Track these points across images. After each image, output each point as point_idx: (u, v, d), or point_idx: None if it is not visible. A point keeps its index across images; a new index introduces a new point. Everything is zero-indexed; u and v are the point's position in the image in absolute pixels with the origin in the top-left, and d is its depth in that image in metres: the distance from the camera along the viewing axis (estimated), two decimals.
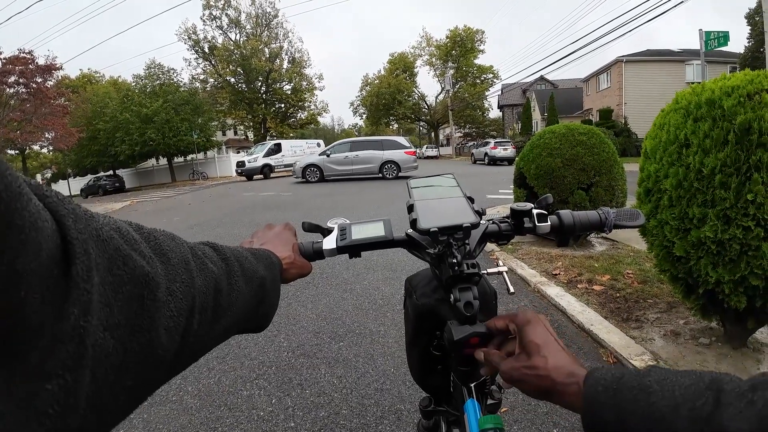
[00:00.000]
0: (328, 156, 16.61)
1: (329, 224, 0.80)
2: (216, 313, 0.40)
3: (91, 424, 0.25)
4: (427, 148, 46.28)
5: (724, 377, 0.38)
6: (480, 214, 0.72)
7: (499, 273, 0.81)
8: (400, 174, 16.12)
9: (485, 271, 0.76)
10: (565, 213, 0.76)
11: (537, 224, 0.75)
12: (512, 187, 5.25)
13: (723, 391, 0.36)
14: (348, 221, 0.80)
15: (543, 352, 0.52)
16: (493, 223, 0.78)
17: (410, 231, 0.76)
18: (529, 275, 3.76)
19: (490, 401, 0.75)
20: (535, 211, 0.76)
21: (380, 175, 16.15)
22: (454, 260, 0.65)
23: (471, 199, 0.76)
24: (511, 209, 0.77)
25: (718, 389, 0.37)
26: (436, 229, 0.66)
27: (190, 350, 0.36)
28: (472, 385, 0.71)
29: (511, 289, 0.79)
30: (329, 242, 0.76)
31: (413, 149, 16.87)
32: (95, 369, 0.24)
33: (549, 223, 0.76)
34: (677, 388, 0.39)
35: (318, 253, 0.75)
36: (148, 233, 0.35)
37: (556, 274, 3.73)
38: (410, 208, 0.74)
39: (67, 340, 0.22)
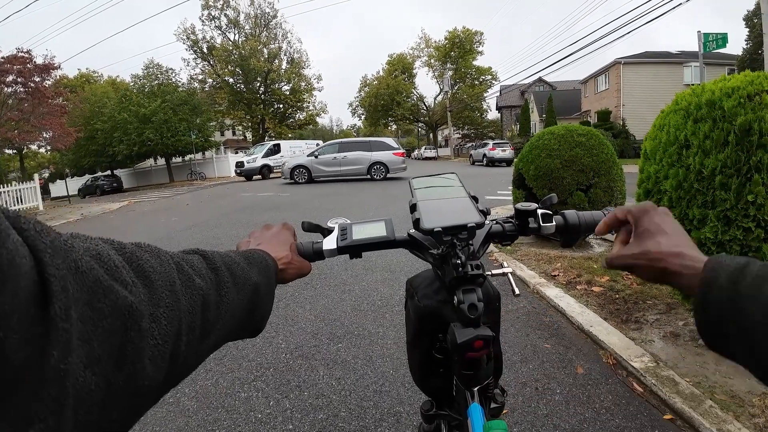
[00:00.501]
0: (316, 157, 16.52)
1: (329, 224, 0.79)
2: (204, 329, 0.39)
3: None
4: (425, 149, 46.32)
5: None
6: (485, 213, 0.70)
7: (504, 274, 0.80)
8: (389, 175, 16.11)
9: (490, 273, 0.75)
10: (571, 213, 0.75)
11: (542, 224, 0.74)
12: (511, 188, 5.24)
13: None
14: (348, 221, 0.79)
15: (657, 237, 0.51)
16: (497, 223, 0.77)
17: (413, 231, 0.74)
18: (528, 276, 3.75)
19: (493, 405, 0.74)
20: (540, 211, 0.74)
21: (368, 176, 16.11)
22: (458, 261, 0.64)
23: (475, 199, 0.75)
24: (516, 209, 0.76)
25: None
26: (440, 229, 0.65)
27: (178, 372, 0.35)
28: (476, 389, 0.69)
29: (516, 291, 0.78)
30: (329, 242, 0.75)
31: (401, 150, 16.82)
32: (78, 408, 0.24)
33: (554, 223, 0.74)
34: None
35: (318, 254, 0.74)
36: (130, 254, 0.34)
37: (555, 276, 3.72)
38: (413, 208, 0.73)
39: (49, 382, 0.22)
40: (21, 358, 0.21)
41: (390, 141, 17.13)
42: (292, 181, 16.58)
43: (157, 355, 0.31)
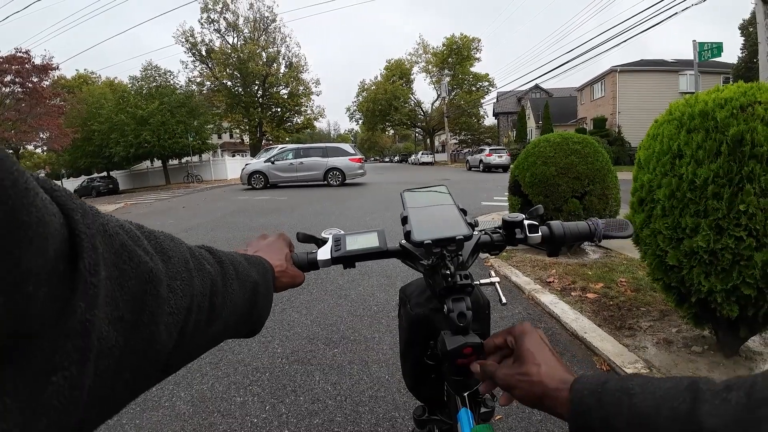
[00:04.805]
0: (272, 163, 16.48)
1: (324, 235, 0.80)
2: (211, 313, 0.41)
3: (90, 416, 0.26)
4: (422, 154, 46.47)
5: (701, 379, 0.40)
6: (473, 225, 0.72)
7: (492, 284, 0.82)
8: (346, 181, 16.09)
9: (478, 282, 0.77)
10: (556, 224, 0.77)
11: (528, 235, 0.76)
12: (507, 194, 5.27)
13: (700, 390, 0.38)
14: (342, 231, 0.81)
15: (537, 360, 0.53)
16: (486, 233, 0.79)
17: (404, 242, 0.76)
18: (523, 283, 3.77)
19: (483, 410, 0.75)
20: (526, 222, 0.76)
21: (325, 182, 16.06)
22: (448, 272, 0.65)
23: (464, 211, 0.77)
24: (503, 220, 0.78)
25: (695, 389, 0.39)
26: (430, 242, 0.66)
27: (184, 350, 0.37)
28: (466, 394, 0.71)
29: (503, 300, 0.79)
30: (324, 253, 0.76)
31: (359, 156, 16.77)
32: (99, 362, 0.25)
33: (540, 233, 0.76)
34: (658, 390, 0.41)
35: (312, 264, 0.76)
36: (149, 232, 0.36)
37: (550, 282, 3.74)
38: (404, 220, 0.75)
39: (74, 333, 0.23)
40: (47, 311, 0.22)
41: (346, 147, 17.03)
42: (250, 186, 16.49)
43: (171, 323, 0.33)
